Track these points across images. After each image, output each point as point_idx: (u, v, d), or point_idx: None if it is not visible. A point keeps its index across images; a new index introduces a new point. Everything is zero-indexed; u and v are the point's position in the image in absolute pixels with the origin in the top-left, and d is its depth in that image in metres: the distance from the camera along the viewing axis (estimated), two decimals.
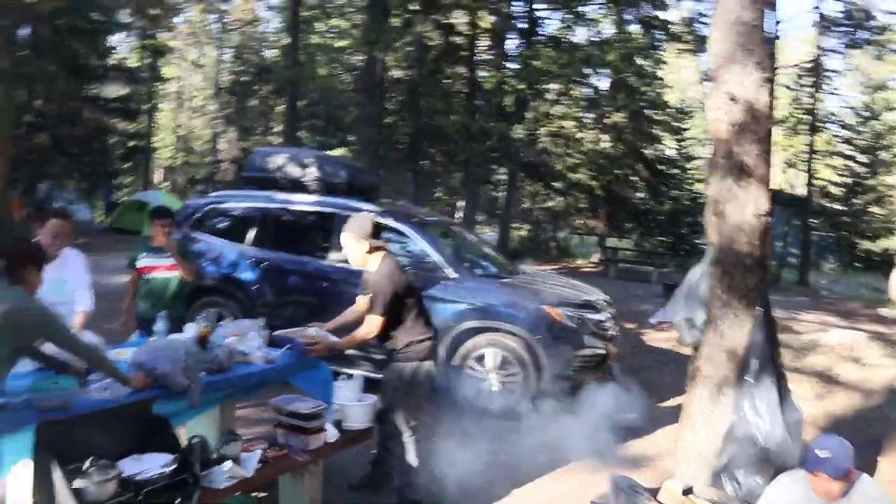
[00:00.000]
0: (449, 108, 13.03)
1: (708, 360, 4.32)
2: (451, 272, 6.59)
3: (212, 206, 7.81)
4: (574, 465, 5.11)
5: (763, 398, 4.13)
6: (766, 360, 4.17)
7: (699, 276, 4.43)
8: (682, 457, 4.44)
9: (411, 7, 15.11)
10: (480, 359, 6.33)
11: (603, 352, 6.45)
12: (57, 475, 2.73)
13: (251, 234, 7.33)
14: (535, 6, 15.95)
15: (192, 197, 10.82)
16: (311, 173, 7.64)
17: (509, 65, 13.86)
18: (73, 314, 4.39)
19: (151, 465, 3.03)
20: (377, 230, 4.35)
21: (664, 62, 20.68)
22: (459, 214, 21.06)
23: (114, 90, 28.99)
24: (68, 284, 4.36)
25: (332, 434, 3.95)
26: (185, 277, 5.16)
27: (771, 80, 4.43)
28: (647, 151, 21.37)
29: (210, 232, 7.52)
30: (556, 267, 17.35)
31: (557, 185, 18.21)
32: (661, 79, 20.82)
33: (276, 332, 4.44)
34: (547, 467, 5.09)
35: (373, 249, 4.30)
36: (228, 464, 3.32)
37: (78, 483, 2.75)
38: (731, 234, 4.28)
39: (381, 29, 12.25)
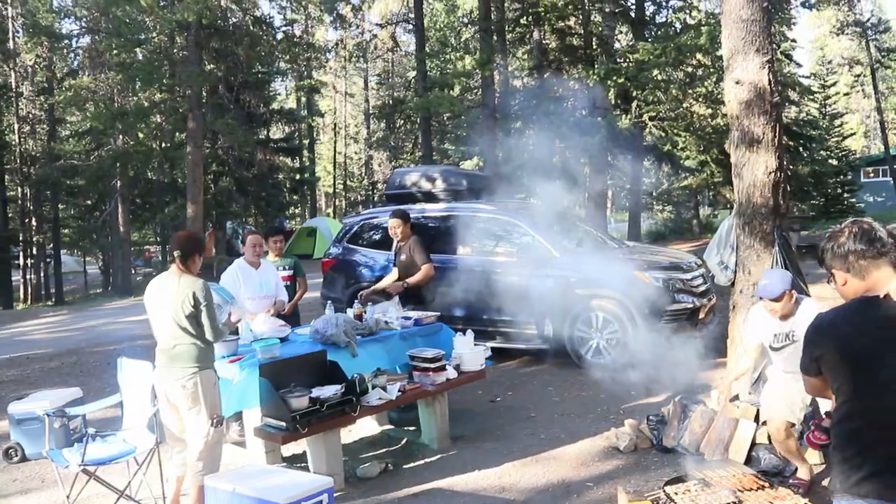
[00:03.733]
0: (559, 109, 14.26)
1: (740, 293, 5.45)
2: (555, 252, 7.95)
3: (363, 222, 9.64)
4: (658, 396, 6.30)
5: None
6: None
7: (728, 226, 5.55)
8: (731, 372, 5.56)
9: (523, 21, 16.56)
10: (587, 321, 7.64)
11: (691, 306, 7.53)
12: (273, 393, 4.44)
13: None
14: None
15: (349, 216, 12.82)
16: (439, 185, 9.28)
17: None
18: (274, 303, 6.15)
19: (329, 390, 4.70)
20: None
21: (791, 21, 20.60)
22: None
23: (279, 131, 32.57)
24: (270, 284, 6.18)
25: (451, 373, 5.48)
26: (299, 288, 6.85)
27: (771, 62, 5.48)
28: (783, 116, 21.31)
29: (364, 244, 9.33)
30: (698, 244, 17.96)
31: (688, 163, 18.82)
32: (789, 39, 20.75)
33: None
34: (637, 397, 6.34)
35: (408, 230, 6.49)
36: (378, 391, 4.95)
37: (287, 397, 4.45)
38: (748, 191, 5.39)
39: (492, 51, 13.73)
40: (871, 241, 2.25)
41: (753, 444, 4.84)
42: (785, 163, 5.47)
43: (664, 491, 3.86)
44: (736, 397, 5.36)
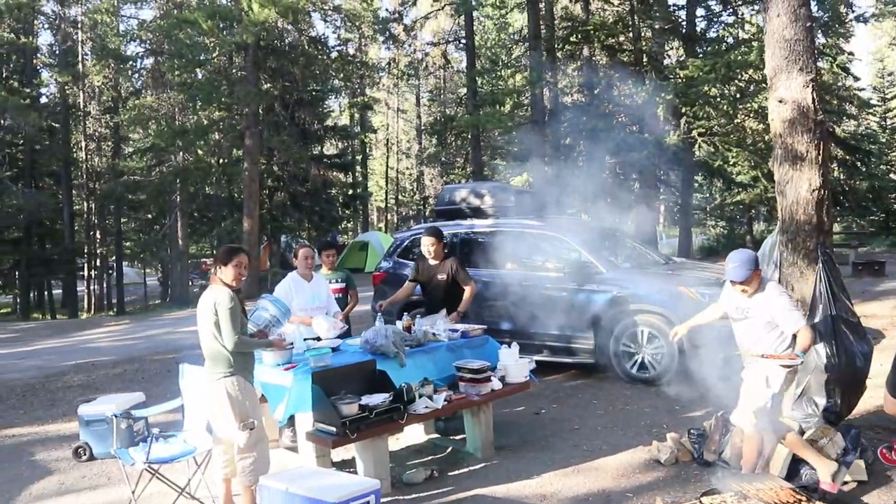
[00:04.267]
0: (608, 125, 14.34)
1: None
2: (602, 268, 8.05)
3: (414, 237, 9.87)
4: (701, 411, 6.34)
5: (828, 335, 5.21)
6: (829, 305, 5.25)
7: (771, 243, 5.61)
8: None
9: (573, 39, 16.71)
10: (632, 336, 7.71)
11: None
12: (325, 400, 4.67)
13: None
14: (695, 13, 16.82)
15: (399, 232, 13.11)
16: (487, 201, 9.47)
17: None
18: (330, 314, 6.41)
19: (378, 398, 4.90)
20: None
21: (847, 34, 20.29)
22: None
23: (332, 147, 33.23)
24: (321, 296, 6.44)
25: (496, 384, 5.64)
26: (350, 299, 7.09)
27: (814, 81, 5.54)
28: (840, 130, 20.99)
29: (414, 258, 9.53)
30: None
31: (740, 178, 18.65)
32: (845, 53, 20.43)
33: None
34: (680, 412, 6.40)
35: (441, 249, 6.77)
36: (424, 399, 5.14)
37: (337, 403, 4.67)
38: (791, 208, 5.44)
39: (542, 68, 13.91)
40: None
41: (795, 460, 4.87)
42: (829, 180, 5.50)
43: (700, 501, 3.95)
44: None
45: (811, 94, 5.47)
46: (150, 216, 30.15)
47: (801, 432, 5.07)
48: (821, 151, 5.52)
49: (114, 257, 31.83)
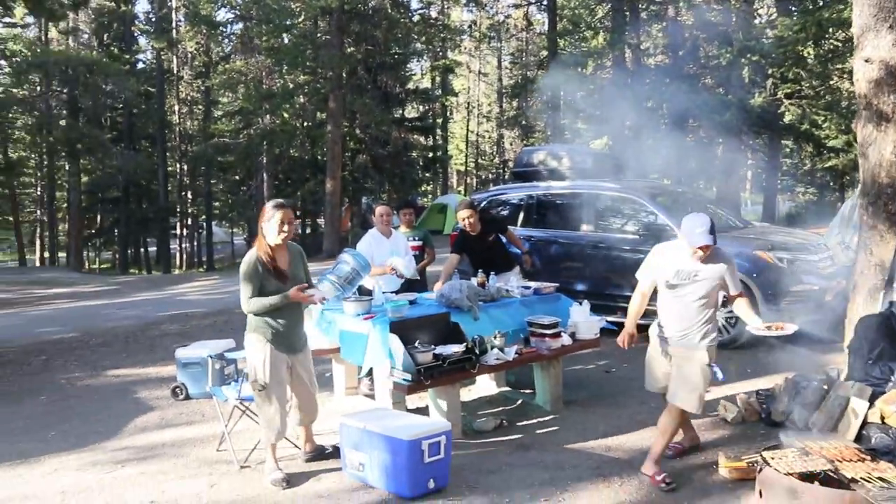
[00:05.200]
0: (692, 87, 14.00)
1: (861, 273, 5.43)
2: (676, 230, 8.02)
3: (491, 198, 10.03)
4: (773, 375, 6.34)
5: None
6: None
7: (851, 206, 5.52)
8: (848, 353, 5.56)
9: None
10: None
11: (817, 287, 7.44)
12: (401, 347, 4.94)
13: (522, 217, 9.39)
14: None
15: (476, 192, 13.26)
16: (565, 163, 9.53)
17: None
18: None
19: (451, 349, 5.14)
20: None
21: None
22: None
23: (413, 110, 33.50)
24: (399, 252, 6.71)
25: (566, 340, 5.80)
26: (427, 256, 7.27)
27: None
28: None
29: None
30: None
31: (832, 143, 17.91)
32: None
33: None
34: (752, 375, 6.43)
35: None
36: (496, 352, 5.36)
37: (412, 352, 4.93)
38: (873, 171, 5.34)
39: (625, 29, 13.65)
40: None
41: (865, 423, 4.86)
42: None
43: (762, 455, 4.04)
44: (851, 377, 5.39)
45: None
46: (237, 177, 31.28)
47: (874, 396, 5.04)
48: None
49: (204, 217, 33.21)
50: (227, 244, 37.55)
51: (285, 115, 23.82)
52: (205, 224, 33.26)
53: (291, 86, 22.57)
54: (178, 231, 34.29)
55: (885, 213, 5.28)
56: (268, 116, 23.97)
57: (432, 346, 5.06)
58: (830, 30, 12.97)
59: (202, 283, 17.84)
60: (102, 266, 34.66)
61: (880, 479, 3.69)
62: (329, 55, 19.01)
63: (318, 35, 21.55)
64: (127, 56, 29.83)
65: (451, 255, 7.05)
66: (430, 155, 29.94)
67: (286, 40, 21.35)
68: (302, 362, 4.65)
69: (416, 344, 5.06)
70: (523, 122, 30.64)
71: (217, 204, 33.63)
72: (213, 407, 5.89)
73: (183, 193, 33.72)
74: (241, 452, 4.91)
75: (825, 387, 5.37)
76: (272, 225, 4.42)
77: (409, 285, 6.62)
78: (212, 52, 30.12)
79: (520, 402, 6.04)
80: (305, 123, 25.51)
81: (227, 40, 28.47)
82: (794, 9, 16.35)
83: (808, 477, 3.82)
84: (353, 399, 6.23)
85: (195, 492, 4.45)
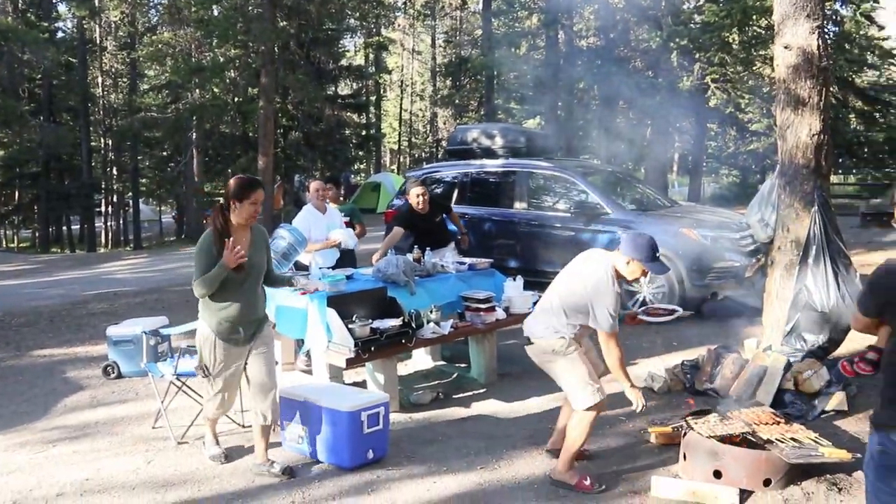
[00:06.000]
0: (622, 70, 14.34)
1: (779, 249, 5.72)
2: (607, 208, 8.27)
3: (425, 176, 10.09)
4: (698, 347, 6.63)
5: (820, 275, 5.45)
6: (822, 246, 5.48)
7: (770, 186, 5.81)
8: (766, 325, 5.87)
9: None
10: None
11: (738, 264, 7.79)
12: (339, 322, 4.98)
13: (456, 194, 9.49)
14: None
15: (411, 170, 13.29)
16: (498, 141, 9.66)
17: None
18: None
19: (388, 323, 5.21)
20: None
21: None
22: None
23: (347, 87, 33.14)
24: (336, 226, 6.73)
25: (501, 314, 5.93)
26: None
27: (821, 27, 5.65)
28: (860, 80, 20.77)
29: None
30: None
31: (754, 127, 18.63)
32: (870, 0, 20.10)
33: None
34: (677, 348, 6.72)
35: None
36: (432, 325, 5.46)
37: (350, 326, 4.98)
38: (791, 152, 5.62)
39: (558, 11, 13.90)
40: None
41: (780, 390, 5.17)
42: (828, 125, 5.65)
43: (685, 420, 4.26)
44: (768, 347, 5.70)
45: (817, 41, 5.57)
46: (165, 153, 30.41)
47: (790, 365, 5.35)
48: (823, 97, 5.65)
49: (130, 194, 32.20)
50: (154, 222, 36.51)
51: (216, 89, 23.23)
52: (131, 201, 32.28)
53: (222, 59, 22.02)
54: (102, 209, 33.18)
55: (801, 193, 5.57)
56: (197, 91, 23.35)
57: (369, 321, 5.12)
58: (754, 17, 13.47)
59: (131, 262, 17.38)
60: (22, 245, 33.28)
61: (793, 439, 3.95)
62: (261, 28, 18.61)
63: (250, 8, 21.05)
64: (45, 24, 28.51)
65: (395, 229, 7.01)
66: (364, 133, 29.72)
67: (216, 12, 20.81)
68: (257, 356, 4.20)
69: (354, 318, 5.11)
70: (457, 101, 30.70)
71: (144, 181, 32.66)
72: (147, 385, 5.84)
73: (108, 169, 32.60)
74: (178, 429, 4.89)
75: (745, 357, 5.68)
76: (245, 205, 3.97)
77: (340, 261, 6.68)
78: (137, 22, 29.08)
79: (455, 375, 6.16)
80: (236, 99, 24.93)
81: (153, 10, 27.54)
82: None
83: (728, 439, 4.06)
84: (291, 375, 6.24)
85: (132, 468, 4.42)
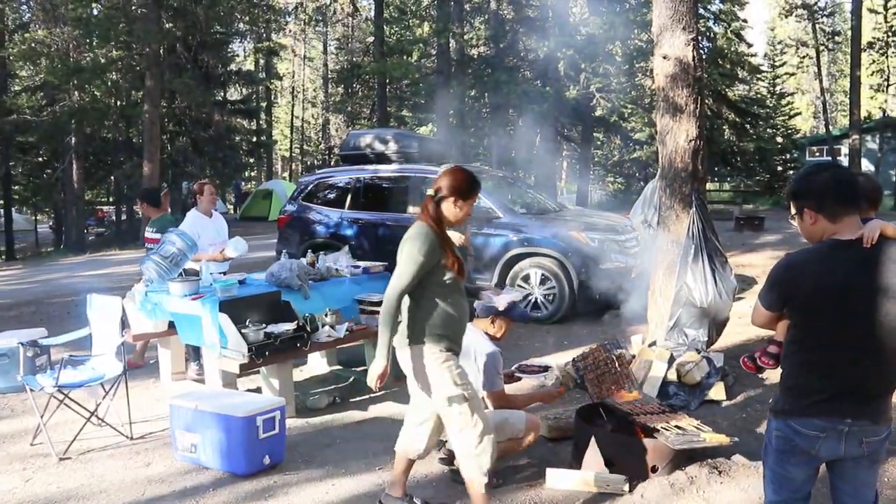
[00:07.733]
0: (512, 78, 14.73)
1: (661, 248, 6.01)
2: (499, 213, 8.45)
3: (318, 181, 10.03)
4: (588, 345, 6.87)
5: (699, 272, 5.77)
6: (700, 245, 5.81)
7: (652, 188, 6.11)
8: (650, 321, 6.17)
9: None
10: (526, 278, 8.18)
11: (623, 264, 8.12)
12: (232, 327, 4.86)
13: (349, 199, 9.45)
14: None
15: (304, 176, 13.14)
16: (392, 147, 9.70)
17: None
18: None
19: (283, 327, 5.14)
20: None
21: (741, 2, 21.34)
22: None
23: (237, 92, 32.37)
24: (223, 231, 6.58)
25: None
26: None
27: (696, 39, 6.00)
28: (731, 93, 22.08)
29: (318, 202, 9.73)
30: None
31: (637, 136, 19.47)
32: (740, 20, 21.45)
33: None
34: (568, 346, 6.93)
35: None
36: (327, 329, 5.42)
37: (243, 331, 4.88)
38: (670, 156, 5.93)
39: (449, 19, 14.14)
40: (851, 185, 2.41)
41: (665, 382, 5.44)
42: (703, 132, 6.01)
43: (577, 414, 4.42)
44: (653, 343, 5.99)
45: (692, 52, 5.92)
46: (41, 159, 28.69)
47: (673, 358, 5.64)
48: (698, 105, 6.01)
49: (1, 202, 30.15)
50: (29, 232, 34.36)
51: (96, 91, 22.12)
52: (2, 210, 30.24)
53: (103, 61, 21.00)
54: None
55: (680, 195, 5.89)
56: (76, 93, 22.17)
57: (263, 325, 5.03)
58: (636, 30, 14.13)
59: (4, 273, 16.29)
60: None
61: (677, 426, 4.17)
62: (145, 29, 17.91)
63: (133, 7, 20.23)
64: None
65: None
66: (254, 139, 29.12)
67: (96, 11, 19.86)
68: None
69: (247, 323, 5.01)
70: (349, 108, 30.56)
71: (17, 188, 30.67)
72: (25, 401, 5.51)
73: None
74: (60, 444, 4.63)
75: (632, 352, 5.94)
76: (468, 204, 3.52)
77: None
78: (6, 18, 27.32)
79: (352, 379, 6.12)
80: (119, 102, 23.85)
81: (24, 7, 25.97)
82: (604, 9, 17.60)
83: (617, 429, 4.24)
84: (181, 384, 6.04)
85: (8, 489, 4.15)
